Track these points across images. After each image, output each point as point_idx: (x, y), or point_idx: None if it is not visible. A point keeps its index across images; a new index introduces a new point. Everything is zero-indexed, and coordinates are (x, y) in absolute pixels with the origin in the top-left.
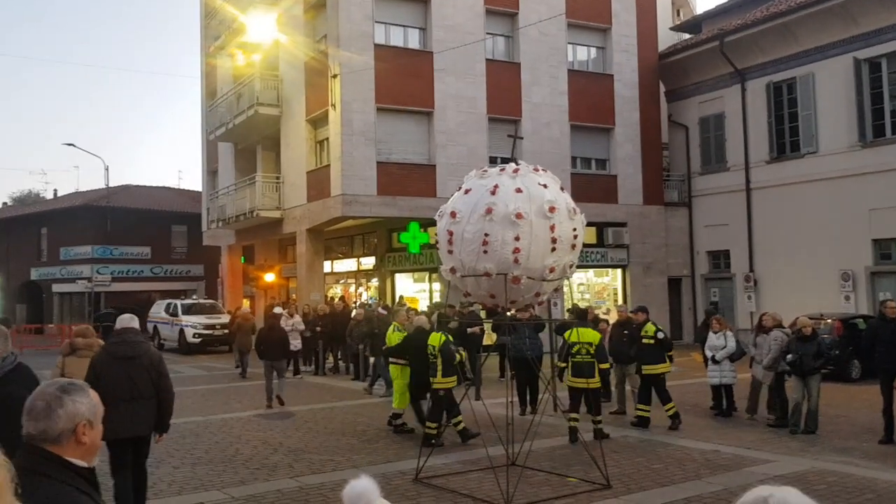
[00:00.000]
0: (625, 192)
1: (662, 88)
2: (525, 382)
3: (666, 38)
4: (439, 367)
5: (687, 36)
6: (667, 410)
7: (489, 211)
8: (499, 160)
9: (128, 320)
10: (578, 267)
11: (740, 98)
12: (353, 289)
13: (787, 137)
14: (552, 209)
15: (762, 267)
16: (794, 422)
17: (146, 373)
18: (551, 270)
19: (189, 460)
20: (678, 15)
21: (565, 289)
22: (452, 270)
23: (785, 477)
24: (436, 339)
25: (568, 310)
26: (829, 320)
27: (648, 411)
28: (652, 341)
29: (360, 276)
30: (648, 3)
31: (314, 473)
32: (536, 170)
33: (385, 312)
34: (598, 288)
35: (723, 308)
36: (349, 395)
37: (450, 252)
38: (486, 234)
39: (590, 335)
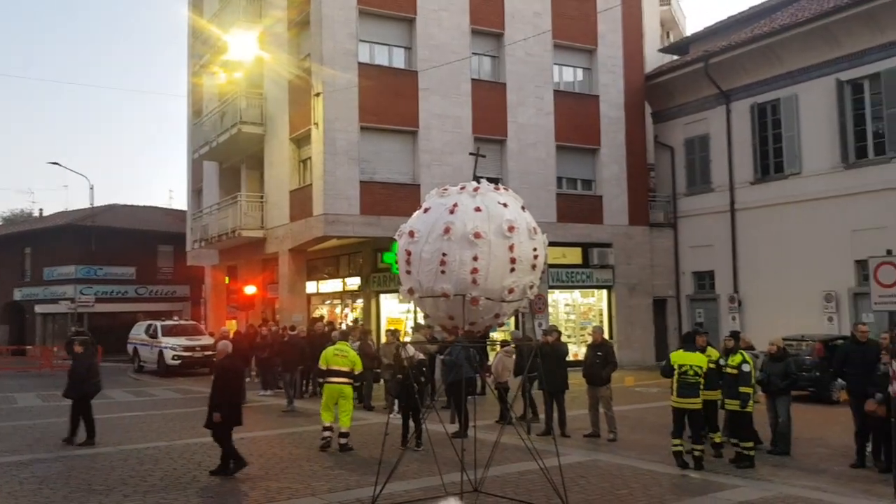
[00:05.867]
0: (610, 212)
1: (648, 109)
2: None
3: (655, 59)
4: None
5: (675, 57)
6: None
7: (447, 230)
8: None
9: None
10: (564, 287)
11: (725, 119)
12: (338, 310)
13: (771, 158)
14: (511, 228)
15: (746, 288)
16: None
17: None
18: (510, 291)
19: (142, 488)
20: (667, 37)
21: (550, 309)
22: (410, 291)
23: (751, 503)
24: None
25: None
26: (809, 342)
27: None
28: (735, 371)
29: (345, 296)
30: (634, 24)
31: (269, 502)
32: (497, 188)
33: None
34: (583, 308)
35: (707, 329)
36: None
37: (408, 272)
38: (444, 254)
39: (698, 359)
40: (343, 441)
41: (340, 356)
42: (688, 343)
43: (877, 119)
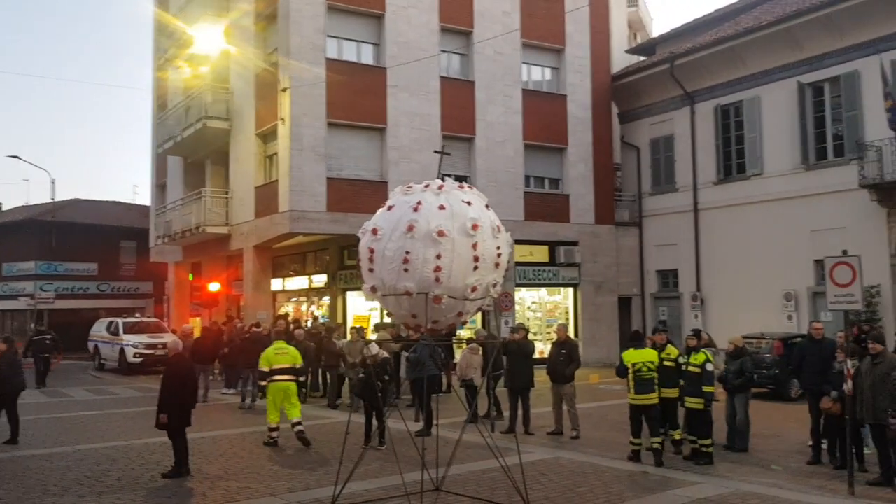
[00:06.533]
0: (577, 211)
1: (615, 110)
2: (425, 402)
3: (622, 60)
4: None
5: (642, 58)
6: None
7: (411, 228)
8: (453, 177)
9: None
10: (530, 285)
11: (689, 120)
12: (304, 307)
13: (734, 159)
14: (475, 227)
15: (709, 286)
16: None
17: None
18: (473, 290)
19: (97, 488)
20: (634, 38)
21: (516, 307)
22: (373, 289)
23: (709, 500)
24: None
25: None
26: (769, 340)
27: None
28: (698, 369)
29: (311, 294)
30: (602, 25)
31: (227, 502)
32: (462, 187)
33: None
34: (549, 306)
35: (671, 326)
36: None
37: (370, 270)
38: (407, 252)
39: (649, 355)
40: (300, 429)
41: (282, 354)
42: (635, 341)
43: (836, 121)
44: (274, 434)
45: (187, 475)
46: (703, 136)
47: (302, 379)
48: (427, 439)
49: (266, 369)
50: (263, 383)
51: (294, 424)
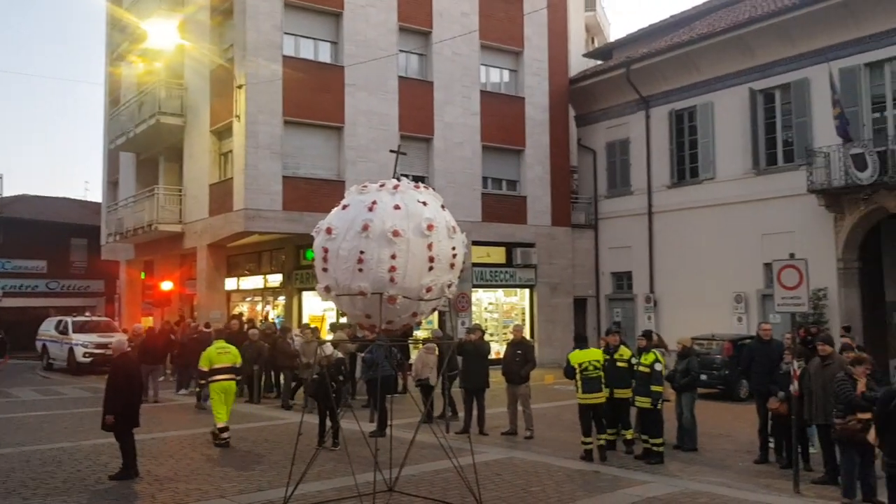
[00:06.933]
0: (534, 212)
1: (572, 113)
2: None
3: (579, 64)
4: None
5: (599, 62)
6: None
7: (366, 228)
8: (410, 178)
9: None
10: (487, 286)
11: (644, 124)
12: (259, 307)
13: (687, 163)
14: (430, 227)
15: (662, 288)
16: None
17: None
18: (428, 290)
19: (42, 491)
20: (592, 42)
21: (473, 307)
22: (327, 289)
23: (659, 499)
24: None
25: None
26: (719, 341)
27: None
28: (648, 369)
29: (267, 293)
30: (560, 28)
31: None
32: (417, 187)
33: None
34: (506, 307)
35: (625, 328)
36: (239, 419)
37: (324, 270)
38: (362, 252)
39: (594, 354)
40: (222, 434)
41: (224, 353)
42: (580, 342)
43: (787, 128)
44: (224, 435)
45: (136, 477)
46: (658, 141)
47: (239, 378)
48: (381, 440)
49: (206, 369)
50: (203, 382)
51: (221, 430)
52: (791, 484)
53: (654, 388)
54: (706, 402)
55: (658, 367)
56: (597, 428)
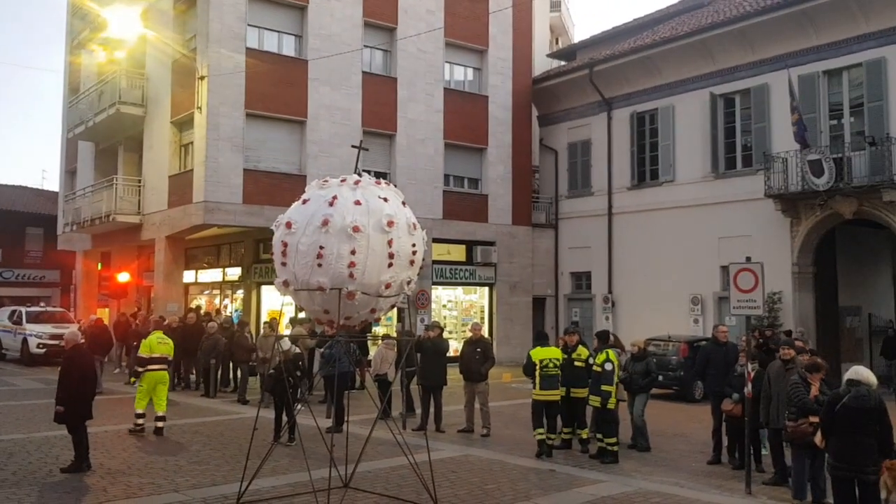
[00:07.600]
0: (495, 211)
1: (535, 112)
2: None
3: (543, 64)
4: None
5: (562, 63)
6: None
7: (325, 223)
8: (372, 173)
9: None
10: (447, 284)
11: (606, 126)
12: (217, 300)
13: (648, 166)
14: (391, 223)
15: (620, 289)
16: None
17: None
18: (387, 286)
19: None
20: (556, 42)
21: (432, 305)
22: (285, 284)
23: (613, 498)
24: None
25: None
26: (675, 342)
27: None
28: (599, 369)
29: (225, 287)
30: (525, 28)
31: (128, 498)
32: (379, 183)
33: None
34: (465, 305)
35: (583, 328)
36: (194, 412)
37: (283, 264)
38: (321, 247)
39: (554, 352)
40: (160, 425)
41: (163, 343)
42: (541, 340)
43: (746, 132)
44: (140, 421)
45: (88, 470)
46: (619, 142)
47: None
48: (337, 436)
49: (146, 356)
50: (141, 370)
51: (157, 418)
52: (743, 485)
53: (603, 387)
54: (661, 402)
55: (609, 366)
56: (549, 427)
